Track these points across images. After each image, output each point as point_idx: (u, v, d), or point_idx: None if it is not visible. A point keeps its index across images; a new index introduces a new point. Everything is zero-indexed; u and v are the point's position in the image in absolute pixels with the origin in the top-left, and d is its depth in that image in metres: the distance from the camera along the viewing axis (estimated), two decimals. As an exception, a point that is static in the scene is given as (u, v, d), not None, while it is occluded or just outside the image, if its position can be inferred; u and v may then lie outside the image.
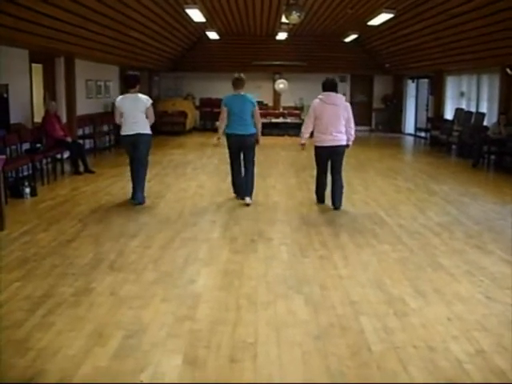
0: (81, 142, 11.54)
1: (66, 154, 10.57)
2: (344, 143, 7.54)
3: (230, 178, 8.34)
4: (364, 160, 12.84)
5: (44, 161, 9.46)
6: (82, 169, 10.30)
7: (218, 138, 7.95)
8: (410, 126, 19.96)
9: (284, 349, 3.49)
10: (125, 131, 7.68)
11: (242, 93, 7.87)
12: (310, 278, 4.84)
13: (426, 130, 17.57)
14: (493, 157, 12.16)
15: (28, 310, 4.03)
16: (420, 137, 18.43)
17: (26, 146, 9.49)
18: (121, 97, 7.89)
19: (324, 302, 4.29)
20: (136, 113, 7.64)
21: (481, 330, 3.79)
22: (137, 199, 7.67)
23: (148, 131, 7.76)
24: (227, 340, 3.59)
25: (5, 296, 4.28)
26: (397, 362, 3.32)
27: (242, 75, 7.91)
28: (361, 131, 20.34)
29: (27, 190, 8.04)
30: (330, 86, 7.60)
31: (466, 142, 13.15)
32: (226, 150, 8.00)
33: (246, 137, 7.71)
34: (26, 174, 9.16)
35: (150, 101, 7.84)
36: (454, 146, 14.60)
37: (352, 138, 7.63)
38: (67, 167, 10.50)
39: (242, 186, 7.95)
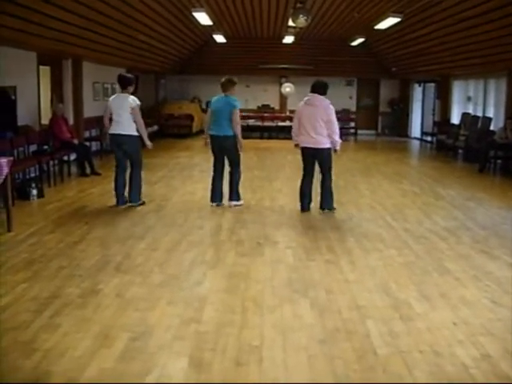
0: (87, 144, 11.60)
1: (73, 156, 10.62)
2: (325, 146, 7.34)
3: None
4: (370, 164, 12.83)
5: (51, 163, 9.51)
6: (88, 171, 10.34)
7: (205, 139, 8.00)
8: (416, 130, 19.93)
9: (290, 352, 3.49)
10: (109, 130, 7.68)
11: (227, 94, 7.74)
12: (316, 282, 4.84)
13: (432, 135, 17.52)
14: (499, 161, 12.14)
15: (34, 311, 4.04)
16: (426, 141, 18.40)
17: (33, 147, 9.54)
18: (113, 96, 7.91)
19: (330, 306, 4.29)
20: (120, 112, 7.49)
21: (486, 335, 3.78)
22: (134, 201, 7.77)
23: (131, 132, 7.54)
24: (233, 343, 3.60)
25: (11, 297, 4.30)
26: (402, 366, 3.32)
27: (233, 78, 7.79)
28: (367, 135, 20.45)
29: (34, 192, 8.08)
30: (314, 88, 7.47)
31: (473, 147, 13.11)
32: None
33: (220, 138, 7.67)
34: (33, 175, 9.20)
35: (137, 102, 7.59)
36: (460, 151, 14.57)
37: (336, 143, 7.35)
38: (74, 169, 10.55)
39: (218, 191, 7.93)
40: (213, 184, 7.94)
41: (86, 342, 3.55)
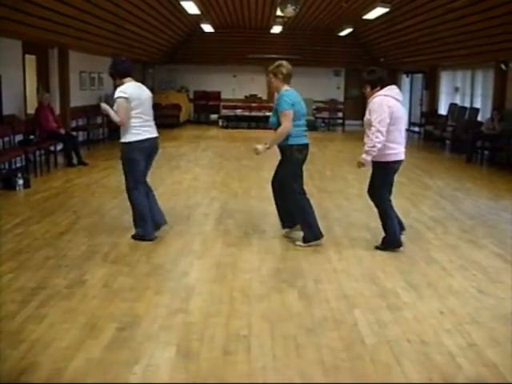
0: (74, 133, 11.53)
1: (60, 146, 10.53)
2: None
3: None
4: (358, 154, 12.80)
5: (37, 152, 9.41)
6: (75, 161, 10.27)
7: (268, 148, 5.85)
8: (403, 120, 19.96)
9: (278, 341, 3.49)
10: (142, 135, 5.88)
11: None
12: (304, 272, 4.84)
13: (420, 125, 17.60)
14: (486, 152, 12.20)
15: (21, 301, 4.01)
16: (414, 132, 18.45)
17: (19, 137, 9.46)
18: (132, 87, 5.71)
19: (318, 295, 4.30)
20: (150, 111, 6.06)
21: (473, 324, 3.80)
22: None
23: None
24: (220, 332, 3.59)
25: (-3, 287, 4.27)
26: (390, 355, 3.33)
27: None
28: (355, 125, 20.42)
29: (20, 182, 8.00)
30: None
31: (460, 138, 13.17)
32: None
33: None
34: (19, 165, 9.12)
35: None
36: (447, 141, 14.64)
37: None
38: (60, 159, 10.46)
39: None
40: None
41: (72, 333, 3.53)
